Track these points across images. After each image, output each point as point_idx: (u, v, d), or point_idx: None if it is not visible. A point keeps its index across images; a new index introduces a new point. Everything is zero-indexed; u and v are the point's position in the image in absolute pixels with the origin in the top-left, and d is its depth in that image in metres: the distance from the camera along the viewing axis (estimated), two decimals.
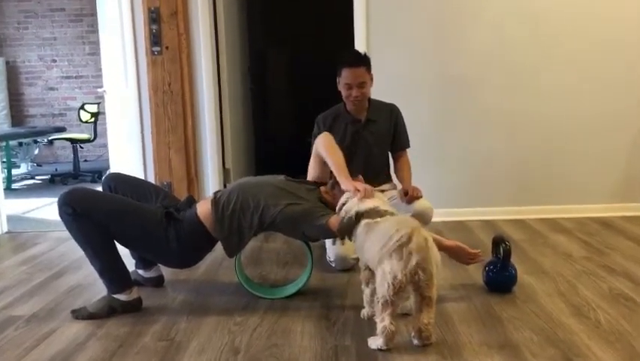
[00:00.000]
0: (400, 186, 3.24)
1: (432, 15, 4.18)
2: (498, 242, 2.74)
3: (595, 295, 2.65)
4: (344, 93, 3.17)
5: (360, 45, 4.17)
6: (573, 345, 2.13)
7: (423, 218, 2.94)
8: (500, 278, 2.71)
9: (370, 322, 2.38)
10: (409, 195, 3.05)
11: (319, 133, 3.27)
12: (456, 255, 2.67)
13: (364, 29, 4.18)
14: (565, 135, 4.25)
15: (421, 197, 3.07)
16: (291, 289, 2.78)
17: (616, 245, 3.47)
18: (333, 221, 2.47)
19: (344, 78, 3.12)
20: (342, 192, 2.67)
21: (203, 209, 2.59)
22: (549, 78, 4.20)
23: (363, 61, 3.12)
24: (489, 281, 2.72)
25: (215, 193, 2.66)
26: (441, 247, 2.64)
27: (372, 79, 3.18)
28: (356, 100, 3.14)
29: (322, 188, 2.76)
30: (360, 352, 2.13)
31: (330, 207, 2.59)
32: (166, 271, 3.01)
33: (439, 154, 4.26)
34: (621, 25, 4.15)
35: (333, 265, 3.13)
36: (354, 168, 3.18)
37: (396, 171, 3.37)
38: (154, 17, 4.21)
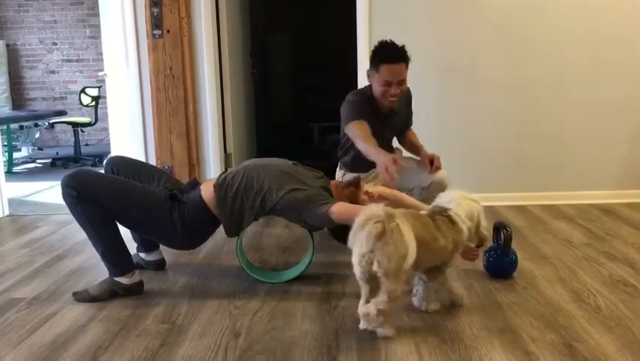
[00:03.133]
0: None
1: (434, 3, 4.15)
2: (499, 228, 2.74)
3: (595, 281, 2.65)
4: (379, 90, 3.01)
5: (362, 32, 4.16)
6: (572, 330, 2.14)
7: (442, 186, 3.01)
8: (501, 264, 2.72)
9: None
10: (435, 165, 3.10)
11: (352, 115, 3.05)
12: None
13: (367, 17, 4.15)
14: (566, 122, 4.24)
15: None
16: (292, 273, 2.79)
17: (617, 232, 3.47)
18: (334, 210, 2.47)
19: (383, 75, 2.96)
20: (355, 193, 2.68)
21: (207, 191, 2.59)
22: (550, 65, 4.18)
23: (404, 57, 2.96)
24: (489, 267, 2.73)
25: (221, 174, 2.67)
26: None
27: None
28: (393, 97, 3.02)
29: (334, 182, 2.75)
30: (360, 336, 2.14)
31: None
32: (167, 255, 3.02)
33: (439, 141, 4.24)
34: (624, 11, 4.12)
35: None
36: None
37: (407, 144, 3.36)
38: (155, 0, 4.18)
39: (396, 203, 2.74)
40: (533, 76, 4.20)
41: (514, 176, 4.29)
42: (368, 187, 2.80)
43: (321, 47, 7.52)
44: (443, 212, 2.26)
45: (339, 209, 2.48)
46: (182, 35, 4.24)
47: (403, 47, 3.00)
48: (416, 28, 4.18)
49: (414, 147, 3.30)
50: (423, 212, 2.32)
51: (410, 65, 4.14)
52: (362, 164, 3.15)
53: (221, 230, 2.65)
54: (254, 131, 6.02)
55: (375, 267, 2.00)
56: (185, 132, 4.35)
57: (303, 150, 6.65)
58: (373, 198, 2.70)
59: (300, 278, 2.73)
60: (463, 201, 2.29)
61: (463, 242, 2.28)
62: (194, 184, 2.76)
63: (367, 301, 2.12)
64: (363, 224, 1.99)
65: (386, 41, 3.03)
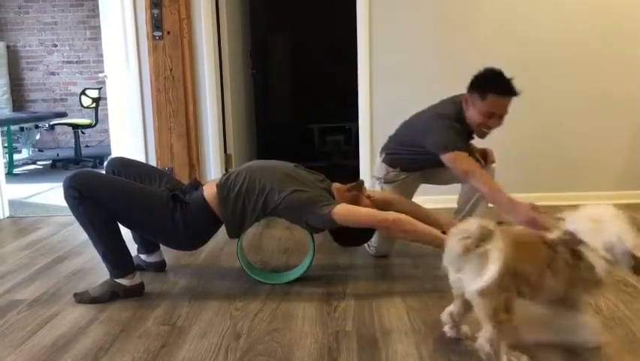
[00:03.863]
0: None
1: (434, 3, 4.16)
2: None
3: None
4: (478, 119, 2.85)
5: (362, 32, 4.16)
6: None
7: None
8: None
9: (371, 308, 2.40)
10: (490, 159, 3.15)
11: (461, 145, 2.88)
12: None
13: (367, 17, 4.15)
14: (567, 123, 4.24)
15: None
16: (292, 274, 2.79)
17: None
18: (337, 210, 2.48)
19: (489, 105, 2.81)
20: (357, 196, 2.67)
21: (209, 191, 2.60)
22: (552, 66, 4.18)
23: (516, 93, 2.81)
24: None
25: (223, 175, 2.68)
26: (444, 246, 2.63)
27: None
28: (489, 130, 2.91)
29: (336, 185, 2.75)
30: (361, 337, 2.14)
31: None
32: (168, 257, 3.02)
33: None
34: (624, 12, 4.12)
35: (371, 252, 3.12)
36: (432, 161, 3.00)
37: None
38: (155, 2, 4.19)
39: (399, 207, 2.74)
40: (533, 76, 4.19)
41: (514, 177, 4.26)
42: (370, 191, 2.80)
43: (321, 47, 7.52)
44: (572, 244, 1.86)
45: (341, 210, 2.49)
46: (183, 36, 4.24)
47: (512, 80, 2.86)
48: (416, 28, 4.18)
49: None
50: (550, 236, 1.94)
51: (411, 65, 4.19)
52: (417, 165, 3.13)
53: (222, 231, 2.66)
54: (254, 132, 6.02)
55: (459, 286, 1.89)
56: (185, 133, 4.35)
57: (303, 150, 6.66)
58: (376, 202, 2.70)
59: (301, 279, 2.73)
60: (601, 225, 1.84)
61: (595, 278, 1.85)
62: (196, 185, 2.76)
63: (451, 315, 2.04)
64: (451, 238, 1.83)
65: (496, 71, 2.87)
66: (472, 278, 1.78)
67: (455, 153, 2.82)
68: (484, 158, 3.13)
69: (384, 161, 3.22)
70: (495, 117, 2.85)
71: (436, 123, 2.93)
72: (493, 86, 2.82)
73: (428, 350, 2.02)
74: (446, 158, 2.84)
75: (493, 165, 3.15)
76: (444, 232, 2.65)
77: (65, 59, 8.81)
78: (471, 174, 2.80)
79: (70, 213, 2.52)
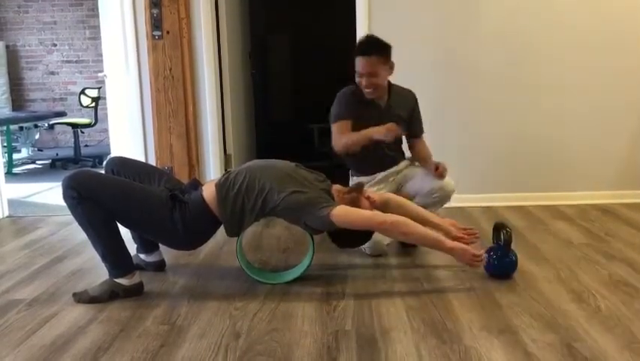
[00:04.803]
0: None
1: (434, 4, 4.15)
2: (499, 228, 2.74)
3: (595, 281, 2.65)
4: (356, 79, 3.07)
5: (361, 32, 4.15)
6: (572, 330, 2.14)
7: (444, 192, 3.04)
8: (501, 264, 2.72)
9: (371, 307, 2.40)
10: (440, 171, 3.08)
11: (340, 113, 3.08)
12: (459, 256, 2.62)
13: (366, 17, 4.15)
14: (566, 122, 4.23)
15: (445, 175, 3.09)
16: (292, 274, 2.79)
17: (616, 232, 3.47)
18: (336, 212, 2.48)
19: (356, 65, 3.02)
20: (357, 198, 2.67)
21: (209, 191, 2.60)
22: (550, 65, 4.18)
23: (375, 50, 2.98)
24: (489, 267, 2.73)
25: (223, 175, 2.68)
26: (443, 249, 2.64)
27: (391, 67, 3.07)
28: (365, 89, 3.04)
29: (336, 186, 2.75)
30: (360, 337, 2.14)
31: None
32: (167, 256, 3.02)
33: (439, 140, 4.22)
34: (624, 12, 4.13)
35: (367, 251, 3.11)
36: (377, 154, 3.14)
37: (416, 155, 3.31)
38: (154, 1, 4.19)
39: (398, 209, 2.74)
40: (534, 75, 4.20)
41: (514, 176, 4.29)
42: (370, 192, 2.80)
43: (320, 47, 7.52)
44: None
45: (340, 212, 2.48)
46: (182, 36, 4.24)
47: (378, 41, 3.03)
48: (416, 28, 4.18)
49: (422, 157, 3.26)
50: None
51: (410, 65, 4.17)
52: (366, 165, 3.17)
53: (221, 231, 2.66)
54: (254, 132, 6.02)
55: None
56: (184, 133, 4.35)
57: (303, 151, 6.65)
58: (375, 203, 2.70)
59: (300, 279, 2.73)
60: None
61: None
62: (195, 184, 2.76)
63: None
64: None
65: (369, 34, 3.13)
66: None
67: (334, 124, 3.07)
68: (436, 170, 3.09)
69: (351, 173, 3.31)
70: (363, 77, 3.02)
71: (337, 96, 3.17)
72: (357, 47, 3.07)
73: (427, 349, 2.02)
74: (332, 130, 3.08)
75: (445, 180, 3.07)
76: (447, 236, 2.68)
77: (65, 59, 8.81)
78: (336, 144, 3.05)
79: (70, 212, 2.52)
